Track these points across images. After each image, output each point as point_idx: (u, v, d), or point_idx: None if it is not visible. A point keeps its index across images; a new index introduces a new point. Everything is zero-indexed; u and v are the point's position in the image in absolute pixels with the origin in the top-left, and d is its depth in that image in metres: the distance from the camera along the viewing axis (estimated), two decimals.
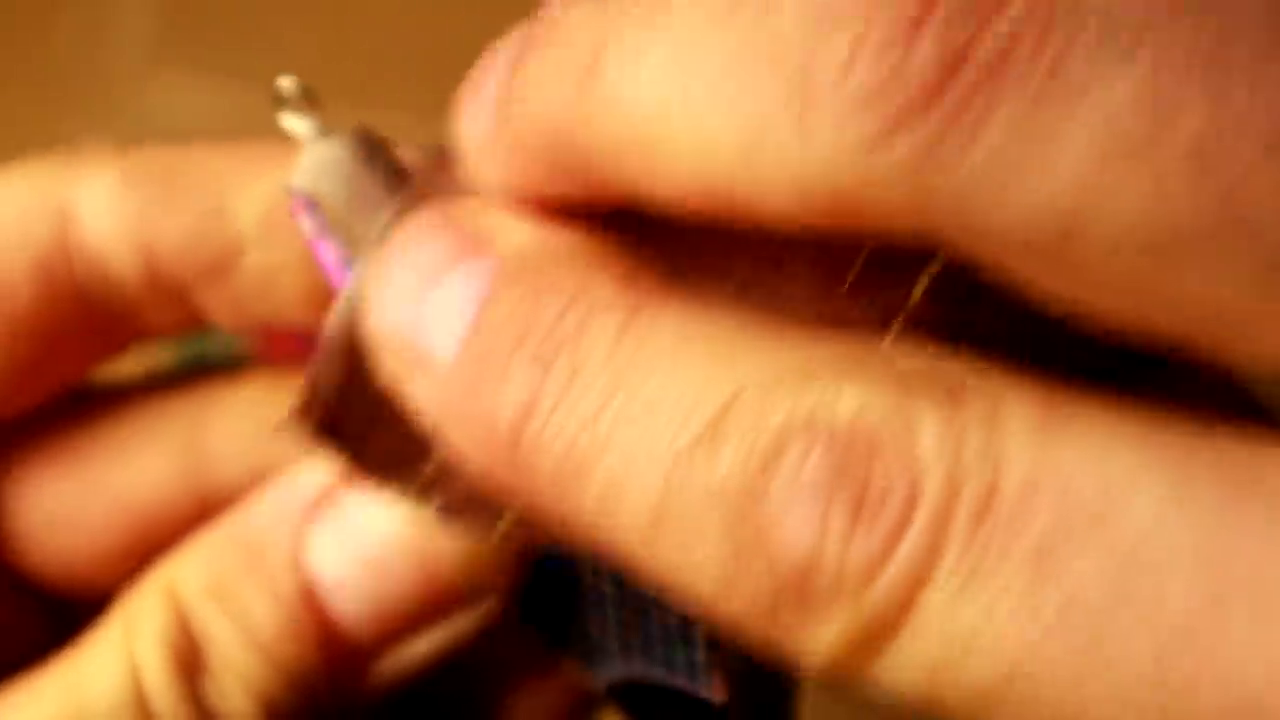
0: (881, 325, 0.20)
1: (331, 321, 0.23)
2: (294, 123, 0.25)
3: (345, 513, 0.25)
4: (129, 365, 0.30)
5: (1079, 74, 0.16)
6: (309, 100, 0.25)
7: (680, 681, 0.25)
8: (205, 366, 0.30)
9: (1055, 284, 0.17)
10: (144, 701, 0.25)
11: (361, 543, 0.25)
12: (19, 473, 0.29)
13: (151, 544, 0.28)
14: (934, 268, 0.19)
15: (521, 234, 0.21)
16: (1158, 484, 0.16)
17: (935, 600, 0.17)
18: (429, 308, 0.20)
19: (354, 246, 0.24)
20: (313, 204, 0.24)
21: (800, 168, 0.17)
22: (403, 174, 0.25)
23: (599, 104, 0.19)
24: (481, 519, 0.22)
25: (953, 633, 0.17)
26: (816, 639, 0.18)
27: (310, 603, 0.25)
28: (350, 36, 0.75)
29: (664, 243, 0.20)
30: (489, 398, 0.19)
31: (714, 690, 0.25)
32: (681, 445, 0.18)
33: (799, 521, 0.17)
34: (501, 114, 0.20)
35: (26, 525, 0.29)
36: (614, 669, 0.26)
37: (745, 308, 0.19)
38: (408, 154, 0.25)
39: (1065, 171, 0.16)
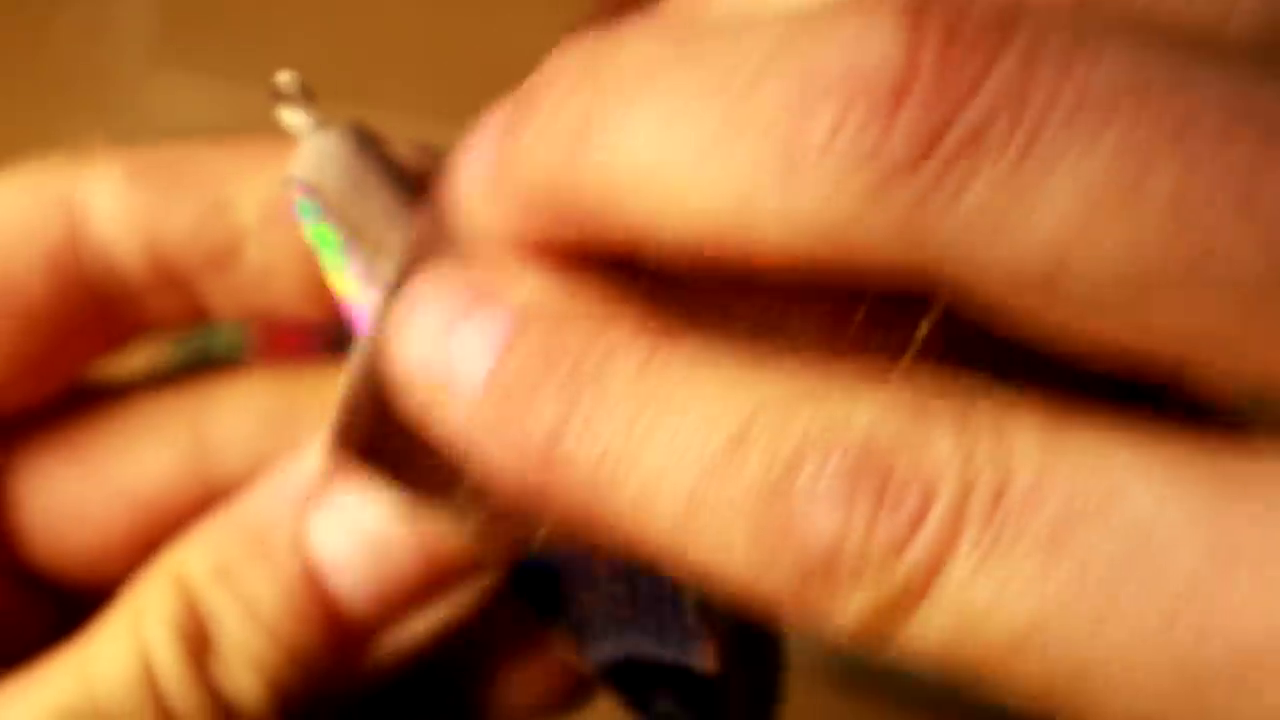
0: (890, 361, 0.20)
1: (354, 364, 0.24)
2: (292, 116, 0.25)
3: (345, 496, 0.26)
4: (136, 360, 0.31)
5: (1056, 141, 0.17)
6: (306, 95, 0.25)
7: (672, 654, 0.26)
8: (209, 361, 0.31)
9: (1045, 321, 0.18)
10: (154, 683, 0.26)
11: (361, 525, 0.26)
12: (26, 466, 0.29)
13: (157, 535, 0.29)
14: (936, 310, 0.20)
15: (534, 284, 0.21)
16: (1157, 479, 0.18)
17: (954, 576, 0.18)
18: (453, 346, 0.21)
19: (351, 233, 0.24)
20: (311, 191, 0.25)
21: (791, 226, 0.18)
22: (395, 166, 0.25)
23: (591, 167, 0.19)
24: (519, 532, 0.23)
25: (972, 602, 0.18)
26: (845, 613, 0.19)
27: (313, 584, 0.26)
28: (350, 37, 0.75)
29: (673, 288, 0.21)
30: (519, 421, 0.20)
31: (705, 659, 0.25)
32: (710, 450, 0.19)
33: (822, 513, 0.19)
34: (499, 174, 0.21)
35: (34, 517, 0.29)
36: (606, 646, 0.27)
37: (758, 345, 0.20)
38: (401, 149, 0.26)
39: (1047, 224, 0.17)
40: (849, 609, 0.19)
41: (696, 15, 0.21)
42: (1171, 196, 0.17)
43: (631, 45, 0.20)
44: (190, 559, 0.27)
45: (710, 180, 0.18)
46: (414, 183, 0.26)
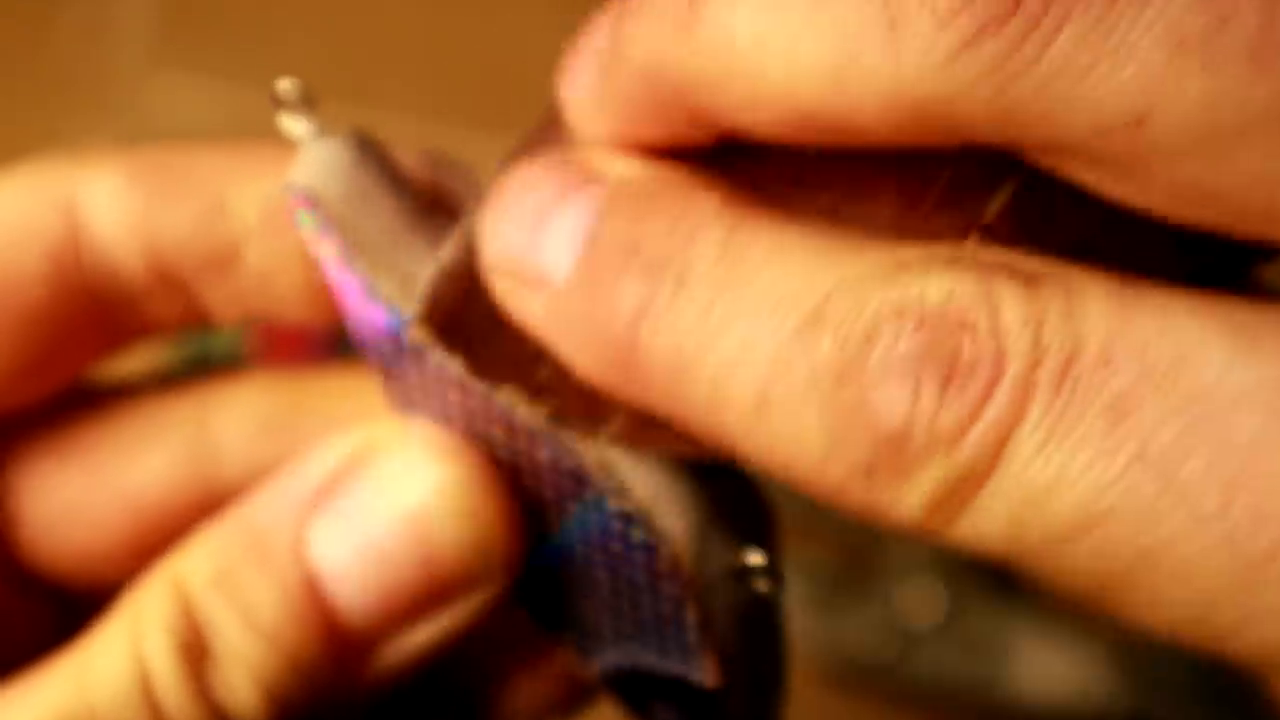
0: (962, 240, 0.21)
1: (447, 251, 0.24)
2: (292, 124, 0.25)
3: (347, 504, 0.26)
4: (136, 364, 0.31)
5: None
6: (307, 102, 0.25)
7: (673, 667, 0.26)
8: (208, 365, 0.30)
9: (1126, 179, 0.19)
10: (150, 690, 0.26)
11: (363, 533, 0.26)
12: (28, 469, 0.29)
13: (157, 539, 0.28)
14: (1010, 188, 0.21)
15: (627, 167, 0.23)
16: (1225, 343, 0.18)
17: (1020, 453, 0.19)
18: (545, 232, 0.22)
19: (352, 242, 0.24)
20: (312, 200, 0.24)
21: (889, 82, 0.19)
22: (397, 173, 0.25)
23: (700, 42, 0.20)
24: (589, 424, 0.23)
25: (1036, 480, 0.19)
26: (911, 496, 0.19)
27: (313, 592, 0.26)
28: (350, 37, 0.75)
29: (758, 177, 0.22)
30: (604, 306, 0.21)
31: (706, 673, 0.25)
32: (784, 333, 0.20)
33: (893, 391, 0.19)
34: (607, 64, 0.22)
35: (35, 520, 0.29)
36: (608, 655, 0.27)
37: (834, 224, 0.21)
38: (403, 156, 0.26)
39: (1132, 69, 0.18)
40: (916, 493, 0.19)
41: None
42: (1250, 39, 0.17)
43: None
44: (189, 565, 0.27)
45: (811, 42, 0.19)
46: (416, 191, 0.25)
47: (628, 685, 0.27)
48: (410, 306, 0.24)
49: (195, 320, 0.29)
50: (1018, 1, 0.18)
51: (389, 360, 0.25)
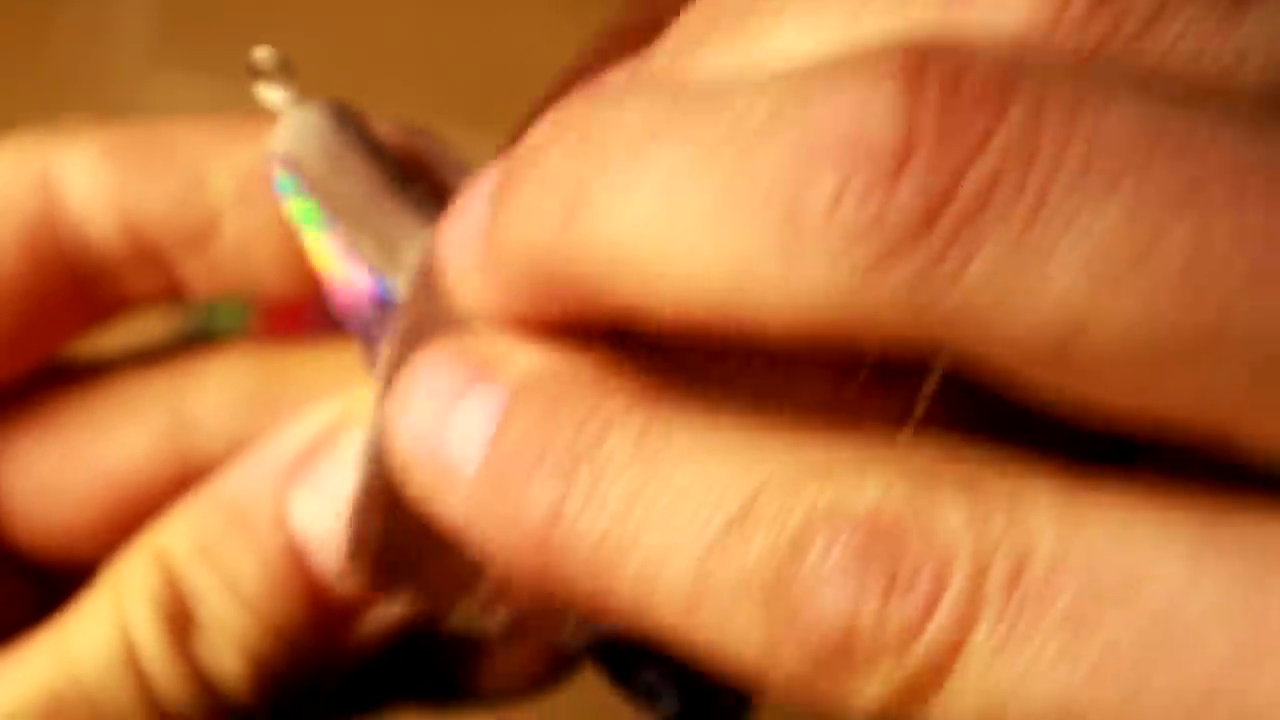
0: (896, 422, 0.20)
1: (361, 465, 0.23)
2: (270, 93, 0.26)
3: (326, 472, 0.26)
4: (124, 336, 0.31)
5: (1064, 204, 0.17)
6: (285, 71, 0.26)
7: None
8: (208, 339, 0.31)
9: (1056, 390, 0.18)
10: (135, 660, 0.26)
11: (342, 501, 0.26)
12: (6, 446, 0.29)
13: (137, 514, 0.29)
14: (939, 372, 0.20)
15: (529, 357, 0.21)
16: (1181, 555, 0.17)
17: (976, 657, 0.17)
18: (450, 427, 0.21)
19: (332, 205, 0.25)
20: (292, 166, 0.25)
21: (793, 295, 0.18)
22: (376, 142, 0.26)
23: (586, 237, 0.19)
24: (547, 625, 0.23)
25: (995, 685, 0.17)
26: (862, 694, 0.18)
27: (295, 561, 0.26)
28: (350, 37, 0.76)
29: (672, 355, 0.21)
30: (515, 502, 0.20)
31: None
32: (711, 534, 0.19)
33: (832, 596, 0.18)
34: (488, 247, 0.21)
35: (12, 496, 0.29)
36: (591, 627, 0.27)
37: (760, 412, 0.20)
38: (381, 127, 0.26)
39: (1058, 290, 0.17)
40: (867, 692, 0.18)
41: (685, 72, 0.20)
42: (1184, 264, 0.16)
43: (626, 109, 0.19)
44: (171, 536, 0.27)
45: (710, 250, 0.18)
46: (395, 160, 0.26)
47: (612, 653, 0.27)
48: (390, 270, 0.24)
49: (174, 294, 0.29)
50: (933, 216, 0.17)
51: (370, 324, 0.25)
